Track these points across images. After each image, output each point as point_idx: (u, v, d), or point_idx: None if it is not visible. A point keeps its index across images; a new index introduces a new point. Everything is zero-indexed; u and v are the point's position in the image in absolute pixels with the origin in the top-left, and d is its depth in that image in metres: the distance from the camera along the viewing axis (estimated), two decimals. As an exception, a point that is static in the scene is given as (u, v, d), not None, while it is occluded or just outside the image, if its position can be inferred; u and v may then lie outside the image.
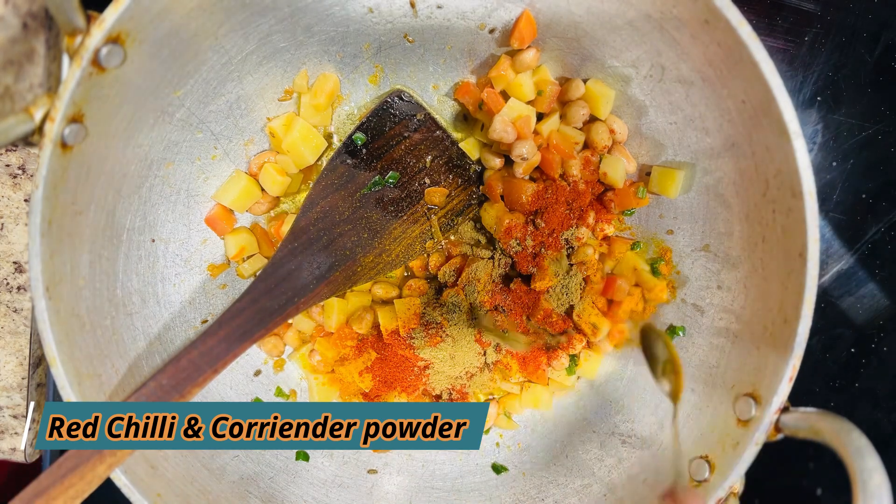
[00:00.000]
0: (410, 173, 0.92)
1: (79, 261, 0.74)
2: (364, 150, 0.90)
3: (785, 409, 0.70)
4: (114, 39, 0.65)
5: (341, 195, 0.90)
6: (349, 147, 0.90)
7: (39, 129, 0.66)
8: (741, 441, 0.72)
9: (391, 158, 0.91)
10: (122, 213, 0.79)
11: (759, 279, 0.76)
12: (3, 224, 0.89)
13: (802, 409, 0.69)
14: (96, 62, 0.65)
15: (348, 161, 0.90)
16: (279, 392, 0.95)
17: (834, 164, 0.95)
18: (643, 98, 0.84)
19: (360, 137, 0.89)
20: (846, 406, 0.99)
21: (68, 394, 0.71)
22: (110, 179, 0.76)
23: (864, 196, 0.96)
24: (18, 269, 0.89)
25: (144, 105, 0.75)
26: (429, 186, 0.92)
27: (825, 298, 0.98)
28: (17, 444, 0.93)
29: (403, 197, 0.92)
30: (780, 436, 0.71)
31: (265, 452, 0.91)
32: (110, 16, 0.64)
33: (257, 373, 0.95)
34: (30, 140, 0.67)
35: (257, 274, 0.93)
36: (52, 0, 0.62)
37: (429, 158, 0.92)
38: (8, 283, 0.89)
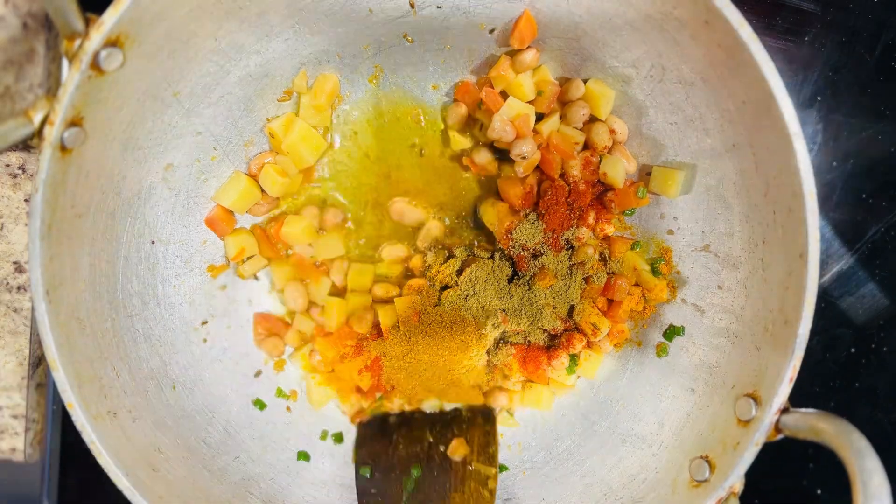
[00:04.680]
0: (426, 457, 0.93)
1: (79, 264, 0.74)
2: (376, 475, 0.91)
3: (785, 410, 0.70)
4: (112, 42, 0.65)
5: None
6: (362, 483, 0.91)
7: (39, 133, 0.66)
8: (741, 441, 0.72)
9: (400, 461, 0.92)
10: (121, 215, 0.79)
11: (760, 280, 0.76)
12: (3, 224, 0.88)
13: (803, 409, 0.69)
14: (95, 65, 0.65)
15: (372, 491, 0.91)
16: (280, 393, 0.95)
17: (834, 164, 0.95)
18: (643, 98, 0.84)
19: (364, 471, 0.91)
20: (846, 406, 0.99)
21: (69, 397, 0.71)
22: (110, 182, 0.76)
23: (864, 196, 0.96)
24: (18, 269, 0.89)
25: (143, 107, 0.75)
26: (446, 449, 0.93)
27: (825, 298, 0.98)
28: (17, 444, 0.93)
29: (437, 475, 0.92)
30: (780, 436, 0.71)
31: (266, 453, 0.91)
32: (109, 18, 0.64)
33: (258, 374, 0.95)
34: (29, 143, 0.67)
35: None
36: (51, 3, 0.62)
37: (428, 436, 0.94)
38: (8, 283, 0.89)
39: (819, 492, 0.98)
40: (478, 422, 0.95)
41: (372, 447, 0.93)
